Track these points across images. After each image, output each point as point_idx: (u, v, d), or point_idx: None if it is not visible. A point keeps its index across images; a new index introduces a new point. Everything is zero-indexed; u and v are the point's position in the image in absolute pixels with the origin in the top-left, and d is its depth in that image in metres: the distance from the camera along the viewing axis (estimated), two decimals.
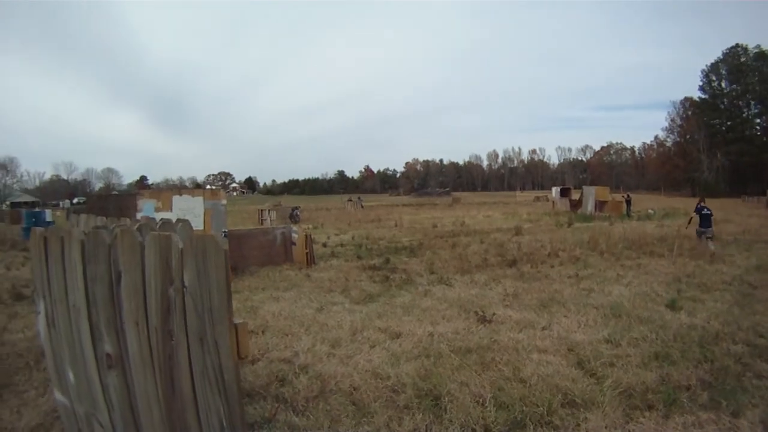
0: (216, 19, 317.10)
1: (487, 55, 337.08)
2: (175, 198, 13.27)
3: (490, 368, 6.49)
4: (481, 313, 9.10)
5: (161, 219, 5.68)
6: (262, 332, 8.11)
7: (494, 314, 9.11)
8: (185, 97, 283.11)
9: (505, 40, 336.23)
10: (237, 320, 3.12)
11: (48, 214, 39.27)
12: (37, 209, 50.64)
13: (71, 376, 3.69)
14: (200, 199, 13.30)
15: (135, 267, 3.10)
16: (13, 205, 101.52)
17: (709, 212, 18.72)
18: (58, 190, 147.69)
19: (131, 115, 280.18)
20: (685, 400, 5.58)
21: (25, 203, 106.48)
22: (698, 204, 19.73)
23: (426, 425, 4.94)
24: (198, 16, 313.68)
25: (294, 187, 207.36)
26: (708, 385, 6.08)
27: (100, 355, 3.35)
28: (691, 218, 19.81)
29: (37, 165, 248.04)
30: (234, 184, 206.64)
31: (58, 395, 4.01)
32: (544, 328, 8.36)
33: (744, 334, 7.97)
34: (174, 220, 5.11)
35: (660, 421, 5.14)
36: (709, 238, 18.03)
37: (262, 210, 39.01)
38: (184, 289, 3.01)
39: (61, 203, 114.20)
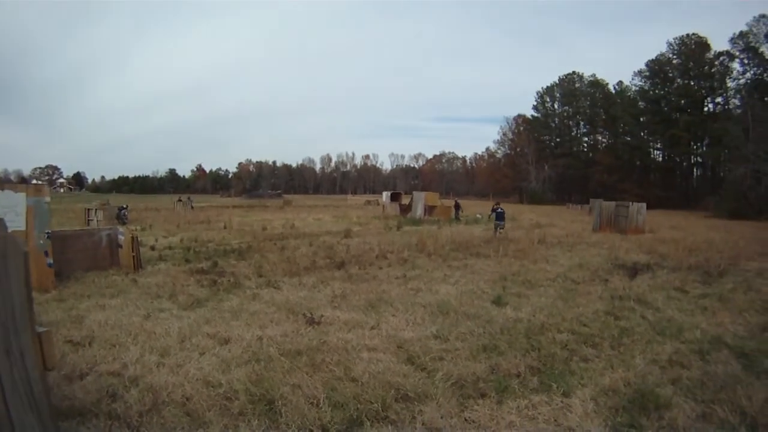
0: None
1: (327, 60, 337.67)
2: None
3: (321, 369, 6.55)
4: (310, 315, 9.16)
5: None
6: (89, 344, 7.63)
7: (322, 316, 9.20)
8: (14, 79, 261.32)
9: (346, 47, 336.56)
10: (40, 329, 2.97)
11: None
12: None
13: None
14: (22, 195, 12.27)
15: None
16: None
17: (501, 211, 26.53)
18: None
19: None
20: (516, 386, 5.95)
21: None
22: (494, 206, 27.99)
23: (263, 431, 4.93)
24: None
25: (124, 185, 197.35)
26: (537, 371, 6.53)
27: None
28: (490, 215, 29.42)
29: None
30: (61, 180, 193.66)
31: None
32: (372, 328, 8.56)
33: (568, 324, 8.64)
34: None
35: (494, 407, 5.43)
36: (501, 228, 25.55)
37: (89, 209, 36.82)
38: None
39: None
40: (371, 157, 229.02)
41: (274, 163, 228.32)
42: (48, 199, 12.72)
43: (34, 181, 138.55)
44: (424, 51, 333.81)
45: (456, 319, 8.98)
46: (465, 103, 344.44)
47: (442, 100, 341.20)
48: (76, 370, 6.49)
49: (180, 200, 64.79)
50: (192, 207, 58.56)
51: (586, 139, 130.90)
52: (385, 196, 58.03)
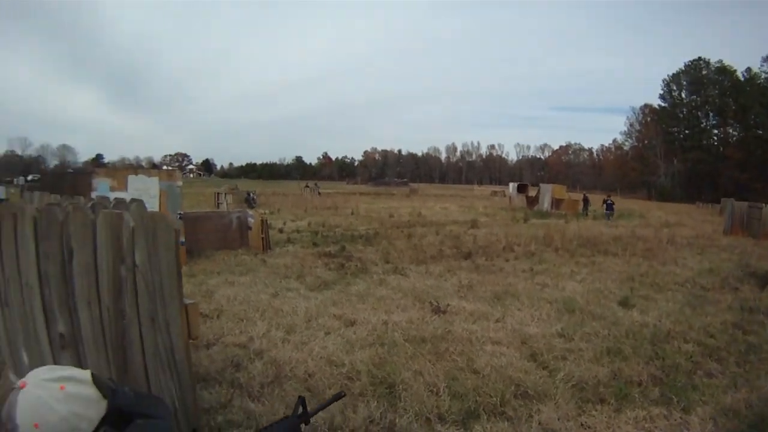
0: None
1: (450, 50, 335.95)
2: (131, 178, 12.97)
3: (444, 358, 6.54)
4: (436, 304, 9.12)
5: (115, 198, 5.59)
6: (217, 317, 8.03)
7: (448, 305, 9.15)
8: (144, 73, 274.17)
9: (471, 37, 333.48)
10: (187, 301, 3.08)
11: (2, 191, 38.52)
12: None
13: (25, 357, 3.57)
14: (155, 179, 12.98)
15: (87, 245, 3.07)
16: None
17: (611, 203, 34.61)
18: (12, 166, 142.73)
19: (88, 90, 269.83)
20: (636, 395, 5.68)
21: None
22: (605, 198, 36.14)
23: (381, 413, 4.93)
24: None
25: (251, 171, 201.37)
26: (659, 382, 6.21)
27: (54, 336, 3.29)
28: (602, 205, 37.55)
29: None
30: (191, 166, 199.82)
31: (12, 377, 3.92)
32: (497, 320, 8.43)
33: (695, 334, 8.11)
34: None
35: (612, 415, 5.22)
36: (610, 217, 33.12)
37: (218, 193, 38.12)
38: (136, 269, 3.00)
39: (15, 180, 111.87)
40: (497, 147, 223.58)
41: (399, 151, 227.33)
42: (180, 183, 13.38)
43: (165, 167, 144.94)
44: (545, 38, 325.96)
45: (581, 318, 8.73)
46: (587, 92, 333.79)
47: (564, 90, 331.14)
48: (204, 339, 6.82)
49: (307, 186, 65.94)
50: (319, 193, 59.39)
51: (716, 131, 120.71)
52: (512, 187, 57.17)
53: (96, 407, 1.36)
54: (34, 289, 3.28)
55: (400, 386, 5.47)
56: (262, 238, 15.17)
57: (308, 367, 5.97)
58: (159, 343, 3.04)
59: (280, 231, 20.10)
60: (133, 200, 4.67)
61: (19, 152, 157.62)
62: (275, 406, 5.00)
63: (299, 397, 1.89)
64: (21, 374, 3.66)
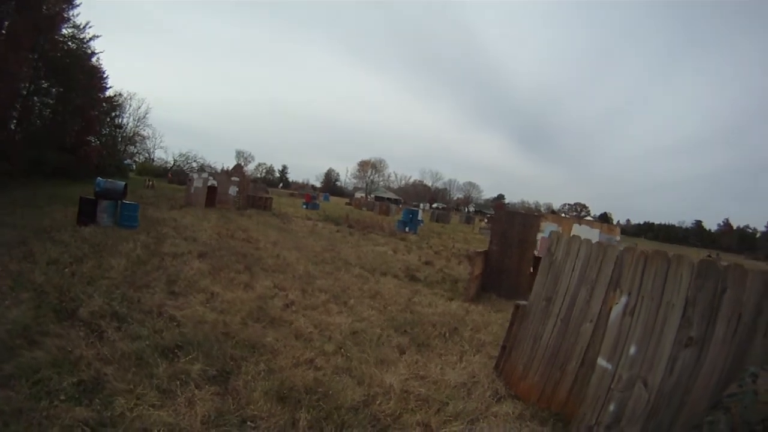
0: (583, 45, 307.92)
1: None
2: (575, 226, 14.95)
3: None
4: None
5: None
6: None
7: None
8: (545, 121, 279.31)
9: None
10: None
11: (419, 213, 44.70)
12: (412, 208, 57.33)
13: (632, 349, 5.40)
14: (597, 231, 14.70)
15: (739, 286, 4.75)
16: (377, 198, 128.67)
17: None
18: (419, 193, 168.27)
19: (494, 135, 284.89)
20: None
21: (387, 199, 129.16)
22: None
23: None
24: (564, 41, 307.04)
25: (648, 231, 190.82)
26: None
27: (680, 337, 4.98)
28: None
29: (405, 169, 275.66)
30: (588, 217, 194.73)
31: (602, 361, 5.73)
32: None
33: None
34: None
35: None
36: None
37: None
38: None
39: (421, 205, 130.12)
40: None
41: None
42: (618, 237, 15.12)
43: (563, 215, 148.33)
44: None
45: None
46: None
47: None
48: None
49: (709, 256, 63.03)
50: None
51: None
52: None
53: None
54: (676, 307, 5.12)
55: None
56: None
57: None
58: None
59: None
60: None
61: (428, 183, 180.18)
62: None
63: None
64: (613, 360, 5.46)
